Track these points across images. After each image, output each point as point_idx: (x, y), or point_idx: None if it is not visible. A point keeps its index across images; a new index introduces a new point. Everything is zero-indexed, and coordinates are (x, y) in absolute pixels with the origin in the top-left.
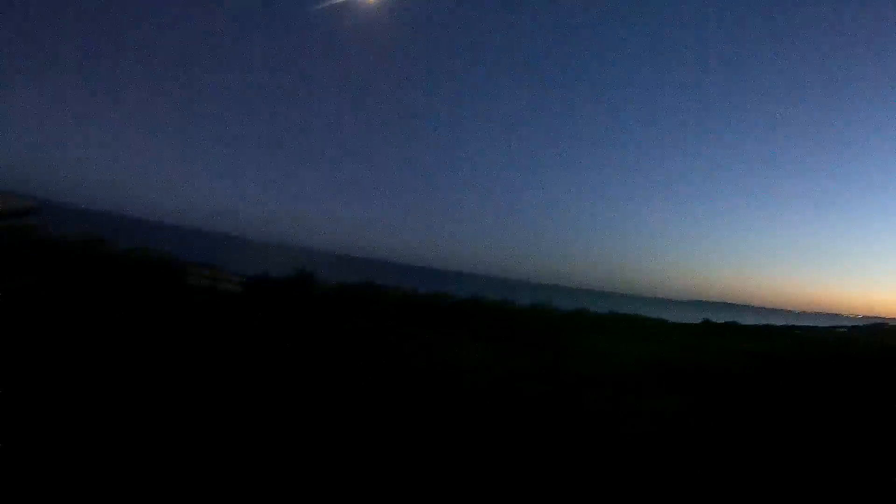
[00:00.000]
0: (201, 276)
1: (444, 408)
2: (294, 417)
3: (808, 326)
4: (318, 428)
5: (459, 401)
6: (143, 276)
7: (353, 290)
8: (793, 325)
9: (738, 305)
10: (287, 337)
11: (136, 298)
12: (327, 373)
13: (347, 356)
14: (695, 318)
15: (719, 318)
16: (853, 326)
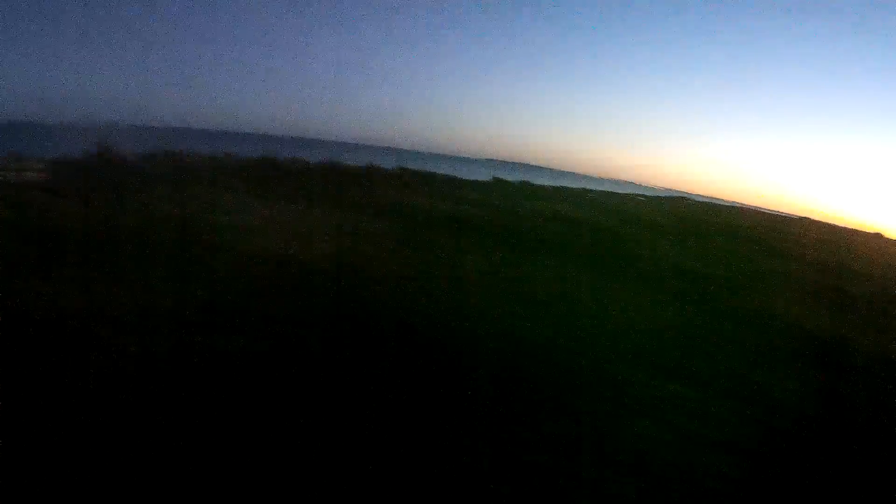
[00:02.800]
0: None
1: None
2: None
3: (605, 192)
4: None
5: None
6: None
7: (157, 160)
8: (587, 189)
9: (530, 166)
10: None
11: None
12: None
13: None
14: (486, 175)
15: (511, 177)
16: (655, 197)
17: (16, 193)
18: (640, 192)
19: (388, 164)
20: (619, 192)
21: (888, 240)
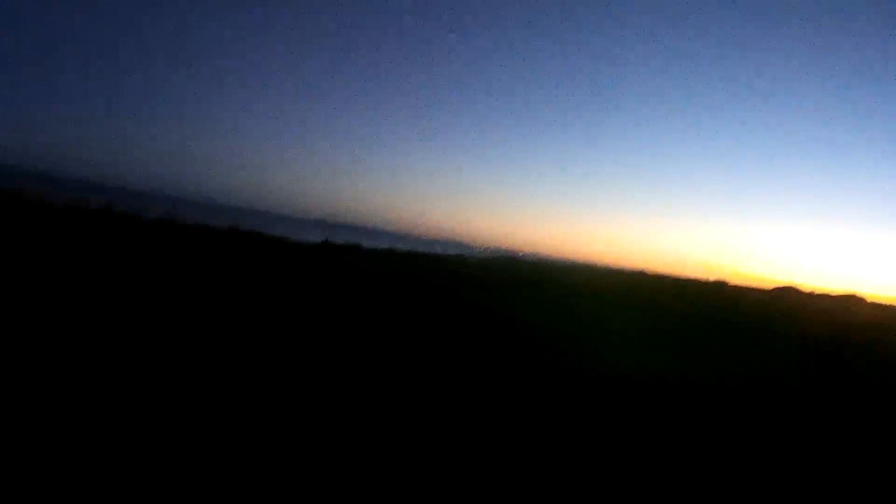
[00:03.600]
0: None
1: None
2: None
3: (435, 254)
4: None
5: None
6: None
7: None
8: (415, 251)
9: (358, 227)
10: None
11: None
12: None
13: None
14: (315, 237)
15: (340, 239)
16: (480, 257)
17: None
18: (471, 254)
19: (218, 222)
20: (447, 252)
21: (733, 286)
